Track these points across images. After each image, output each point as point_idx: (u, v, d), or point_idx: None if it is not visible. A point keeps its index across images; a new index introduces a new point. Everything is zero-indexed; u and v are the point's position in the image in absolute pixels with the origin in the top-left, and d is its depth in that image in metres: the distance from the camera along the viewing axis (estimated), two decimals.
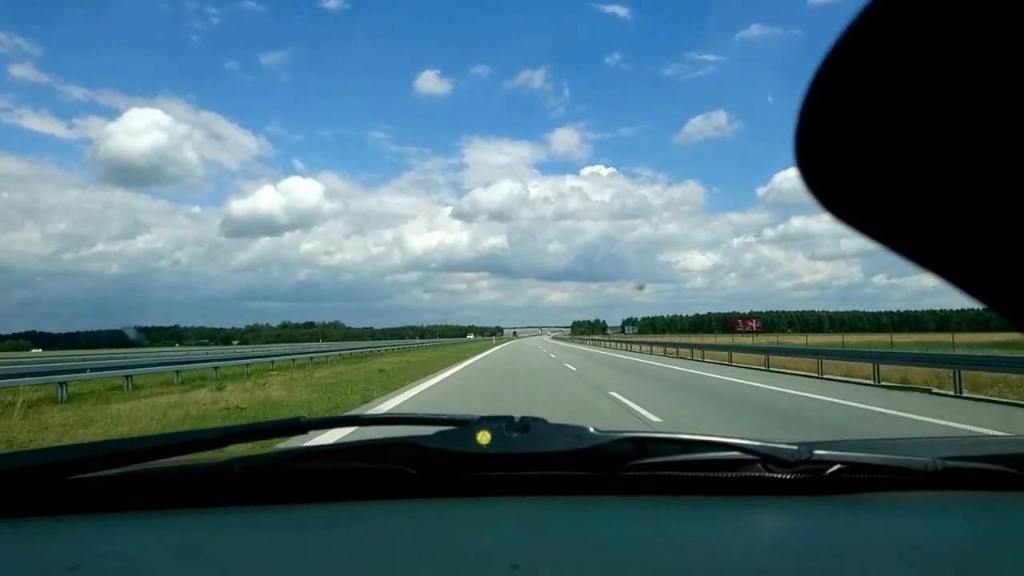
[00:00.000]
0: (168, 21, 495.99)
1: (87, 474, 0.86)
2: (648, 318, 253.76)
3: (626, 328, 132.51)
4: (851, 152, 0.27)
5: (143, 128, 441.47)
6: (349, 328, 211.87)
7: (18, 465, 0.86)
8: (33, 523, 0.83)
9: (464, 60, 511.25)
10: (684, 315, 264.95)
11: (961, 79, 0.24)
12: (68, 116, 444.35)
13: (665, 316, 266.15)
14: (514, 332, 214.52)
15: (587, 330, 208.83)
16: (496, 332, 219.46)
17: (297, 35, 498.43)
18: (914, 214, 0.28)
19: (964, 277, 0.29)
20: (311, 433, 0.87)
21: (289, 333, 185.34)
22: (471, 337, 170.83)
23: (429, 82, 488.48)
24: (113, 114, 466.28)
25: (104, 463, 0.86)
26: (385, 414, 0.97)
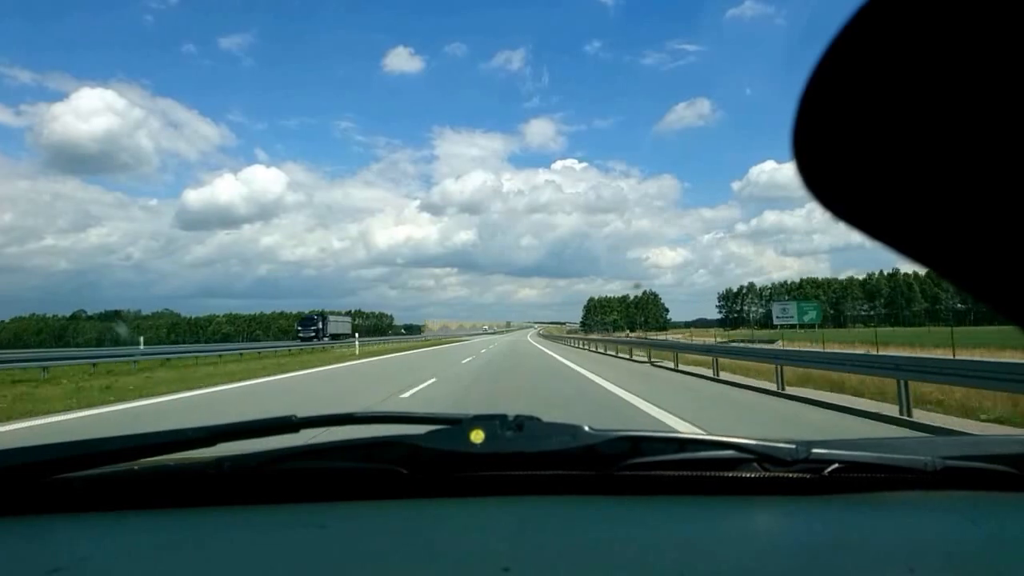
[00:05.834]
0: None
1: (71, 473, 0.84)
2: (796, 291, 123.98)
3: (775, 312, 58.04)
4: (851, 148, 0.27)
5: (93, 111, 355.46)
6: (183, 317, 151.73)
7: None
8: (14, 523, 0.81)
9: (438, 40, 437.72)
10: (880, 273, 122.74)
11: (966, 76, 0.23)
12: (15, 102, 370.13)
13: (818, 279, 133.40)
14: (392, 327, 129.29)
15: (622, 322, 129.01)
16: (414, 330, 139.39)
17: (260, 15, 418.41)
18: (914, 211, 0.28)
19: (964, 276, 0.29)
20: (302, 432, 0.83)
21: (35, 327, 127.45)
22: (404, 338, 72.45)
23: (400, 59, 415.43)
24: (62, 98, 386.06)
25: (89, 462, 0.85)
26: (378, 412, 0.96)
